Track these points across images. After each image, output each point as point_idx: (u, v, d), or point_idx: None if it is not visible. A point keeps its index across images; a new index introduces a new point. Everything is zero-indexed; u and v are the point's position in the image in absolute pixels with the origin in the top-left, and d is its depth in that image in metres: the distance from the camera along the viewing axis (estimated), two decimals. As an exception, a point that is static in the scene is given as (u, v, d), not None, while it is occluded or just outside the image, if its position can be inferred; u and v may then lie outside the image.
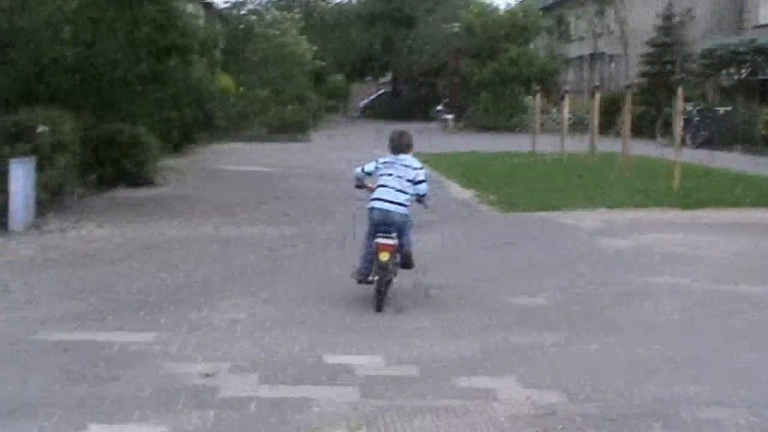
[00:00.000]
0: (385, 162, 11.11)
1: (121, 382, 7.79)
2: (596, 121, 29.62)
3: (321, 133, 52.78)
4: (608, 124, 44.52)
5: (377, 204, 10.81)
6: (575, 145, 32.82)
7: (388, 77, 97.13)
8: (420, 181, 10.95)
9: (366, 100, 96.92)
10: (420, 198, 11.07)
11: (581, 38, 68.25)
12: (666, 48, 51.16)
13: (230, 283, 11.78)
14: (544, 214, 18.94)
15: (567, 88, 38.22)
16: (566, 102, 33.57)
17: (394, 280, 10.95)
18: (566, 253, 14.49)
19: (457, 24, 63.64)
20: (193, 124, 34.88)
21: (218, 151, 35.94)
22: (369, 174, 11.22)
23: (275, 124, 46.12)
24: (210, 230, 16.23)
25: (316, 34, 60.61)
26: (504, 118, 56.72)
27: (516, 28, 58.12)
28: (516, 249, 14.86)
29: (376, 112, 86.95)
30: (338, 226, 16.95)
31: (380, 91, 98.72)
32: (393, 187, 10.84)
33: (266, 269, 12.77)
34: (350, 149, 38.75)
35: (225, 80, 47.19)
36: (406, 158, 11.09)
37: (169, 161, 28.77)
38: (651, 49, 51.69)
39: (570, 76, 70.46)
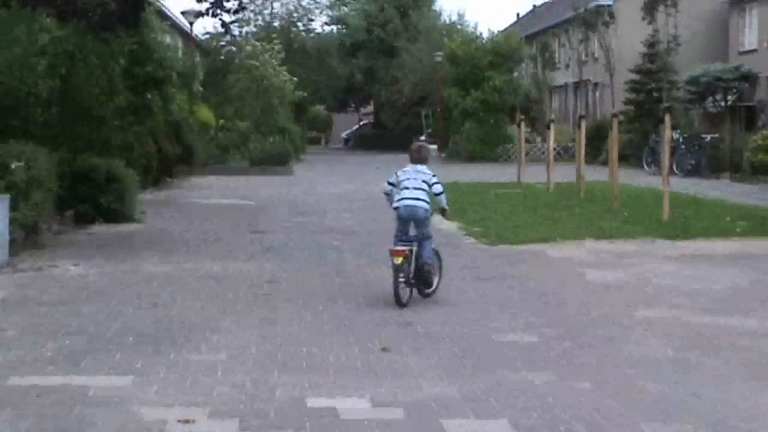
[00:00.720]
0: (404, 171, 13.32)
1: (98, 428, 7.58)
2: (582, 151, 29.53)
3: (303, 165, 52.68)
4: (594, 152, 44.57)
5: (402, 203, 13.10)
6: (561, 175, 32.75)
7: (371, 107, 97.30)
8: (434, 183, 13.19)
9: (348, 131, 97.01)
10: (438, 197, 13.29)
11: (566, 66, 68.39)
12: (652, 75, 51.21)
13: (211, 321, 11.57)
14: (531, 246, 18.79)
15: (552, 117, 38.10)
16: (551, 131, 33.50)
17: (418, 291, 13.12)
18: (555, 288, 14.34)
19: (440, 53, 63.72)
20: (173, 158, 34.75)
21: (198, 185, 35.78)
22: (393, 185, 13.39)
23: (256, 157, 45.96)
24: (191, 266, 16.03)
25: (296, 65, 60.64)
26: (489, 148, 56.75)
27: (499, 56, 58.13)
28: (503, 283, 14.69)
29: (358, 143, 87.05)
30: (327, 261, 16.79)
31: (363, 122, 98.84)
32: (414, 187, 13.10)
33: (249, 306, 12.57)
34: (333, 182, 38.62)
35: (205, 113, 47.13)
36: (423, 168, 13.32)
37: (148, 195, 28.58)
38: (636, 77, 51.74)
39: (555, 104, 70.58)
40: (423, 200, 13.06)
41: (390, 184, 13.40)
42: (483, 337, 10.90)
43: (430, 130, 69.86)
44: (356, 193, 32.79)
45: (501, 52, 58.29)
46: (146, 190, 29.25)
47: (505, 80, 57.49)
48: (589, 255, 17.73)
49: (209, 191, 32.99)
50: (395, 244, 13.03)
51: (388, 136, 79.36)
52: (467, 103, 57.33)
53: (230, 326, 11.32)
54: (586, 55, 63.79)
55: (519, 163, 37.12)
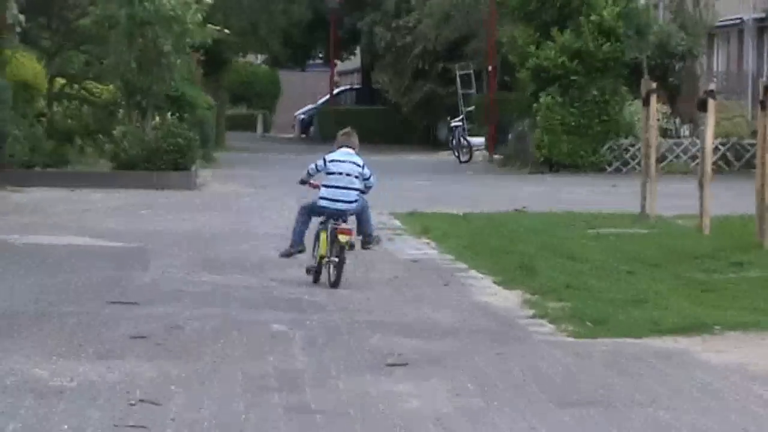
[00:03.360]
0: (332, 161, 21.58)
1: None
2: (768, 154, 29.57)
3: (219, 171, 52.81)
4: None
5: (330, 204, 21.36)
6: (728, 201, 32.81)
7: (356, 62, 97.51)
8: (368, 177, 21.94)
9: (310, 107, 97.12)
10: (367, 189, 22.21)
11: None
12: None
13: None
14: (663, 341, 18.78)
15: (712, 87, 38.13)
16: (711, 114, 33.50)
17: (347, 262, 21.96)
18: (710, 426, 14.30)
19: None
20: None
21: (13, 206, 35.86)
22: (318, 171, 21.56)
23: (128, 154, 45.96)
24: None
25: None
26: (586, 146, 56.60)
27: (610, -33, 58.29)
28: (607, 415, 14.66)
29: (328, 128, 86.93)
30: (261, 363, 16.76)
31: (339, 89, 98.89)
32: (344, 187, 21.47)
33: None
34: (276, 205, 38.67)
35: (27, 65, 47.21)
36: (352, 154, 21.82)
37: None
38: None
39: (719, 61, 70.86)
40: (354, 201, 21.70)
41: (317, 169, 20.78)
42: None
43: (471, 108, 69.63)
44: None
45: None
46: None
47: (621, 13, 57.43)
48: (779, 361, 17.75)
49: (33, 218, 33.13)
50: (305, 215, 21.02)
51: (387, 117, 79.47)
52: (545, 56, 57.25)
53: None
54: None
55: (645, 177, 37.09)
